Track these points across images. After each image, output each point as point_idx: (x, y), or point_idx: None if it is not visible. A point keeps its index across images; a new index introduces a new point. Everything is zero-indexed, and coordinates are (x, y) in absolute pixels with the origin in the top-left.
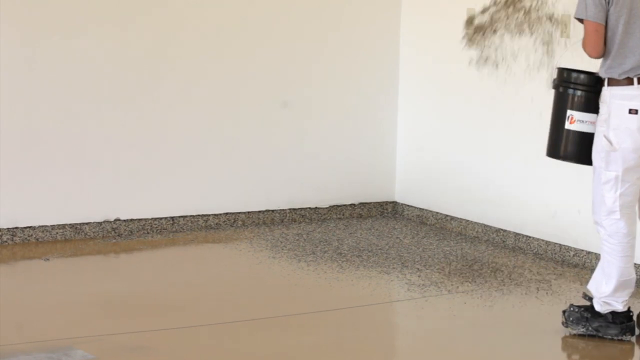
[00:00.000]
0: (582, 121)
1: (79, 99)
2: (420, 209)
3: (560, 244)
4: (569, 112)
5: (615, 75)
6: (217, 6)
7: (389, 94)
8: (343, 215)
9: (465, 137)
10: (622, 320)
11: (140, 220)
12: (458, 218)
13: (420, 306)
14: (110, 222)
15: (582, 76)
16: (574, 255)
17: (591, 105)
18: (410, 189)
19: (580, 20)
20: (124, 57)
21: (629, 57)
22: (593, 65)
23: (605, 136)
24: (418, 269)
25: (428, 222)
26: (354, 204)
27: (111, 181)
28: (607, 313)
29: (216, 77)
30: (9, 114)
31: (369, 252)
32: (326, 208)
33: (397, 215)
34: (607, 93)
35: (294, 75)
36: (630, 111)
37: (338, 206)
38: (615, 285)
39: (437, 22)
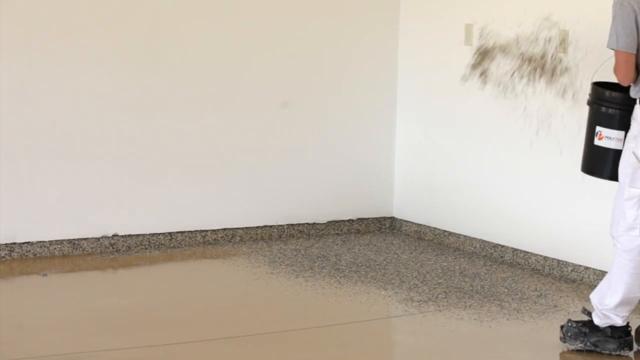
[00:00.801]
0: (610, 138)
1: (76, 114)
2: (418, 225)
3: (558, 259)
4: (598, 128)
5: None
6: (215, 18)
7: (386, 109)
8: (341, 230)
9: (464, 153)
10: (620, 335)
11: (138, 235)
12: (456, 234)
13: (418, 322)
14: (108, 237)
15: (611, 93)
16: (572, 271)
17: (620, 123)
18: (408, 204)
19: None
20: (122, 72)
21: None
22: None
23: (634, 153)
24: (416, 284)
25: (426, 238)
26: (352, 220)
27: (109, 197)
28: (606, 327)
29: (216, 94)
30: (5, 129)
31: (367, 267)
32: (324, 223)
33: (395, 231)
34: (639, 111)
35: (293, 91)
36: None
37: (336, 222)
38: (620, 300)
39: (436, 37)
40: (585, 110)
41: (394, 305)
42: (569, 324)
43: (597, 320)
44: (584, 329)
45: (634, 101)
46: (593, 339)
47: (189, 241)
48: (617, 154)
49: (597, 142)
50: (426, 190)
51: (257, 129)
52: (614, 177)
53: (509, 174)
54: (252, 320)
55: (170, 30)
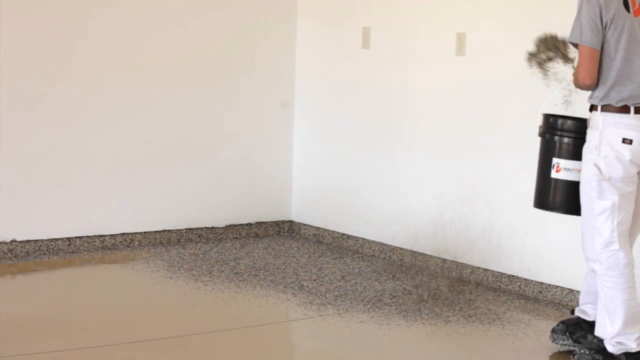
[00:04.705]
0: (568, 169)
1: None
2: (317, 228)
3: (456, 262)
4: (555, 160)
5: (612, 102)
6: (109, 20)
7: (284, 113)
8: (240, 234)
9: (361, 156)
10: None
11: (36, 241)
12: (354, 237)
13: (318, 325)
14: (7, 243)
15: (568, 122)
16: (470, 273)
17: (577, 152)
18: (306, 208)
19: (575, 45)
20: (23, 73)
21: (627, 85)
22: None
23: (595, 164)
24: (315, 288)
25: (325, 241)
26: (250, 224)
27: (6, 202)
28: (621, 354)
29: (114, 98)
30: None
31: (266, 271)
32: (223, 228)
33: (293, 234)
34: (600, 119)
35: (190, 95)
36: (624, 140)
37: (234, 226)
38: (624, 321)
39: (334, 41)
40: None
41: (293, 309)
42: (582, 352)
43: (611, 348)
44: (598, 357)
45: (583, 127)
46: None
47: (87, 246)
48: (575, 185)
49: (554, 174)
50: (324, 194)
51: (156, 133)
52: (571, 210)
53: (406, 177)
54: (151, 325)
55: (67, 36)
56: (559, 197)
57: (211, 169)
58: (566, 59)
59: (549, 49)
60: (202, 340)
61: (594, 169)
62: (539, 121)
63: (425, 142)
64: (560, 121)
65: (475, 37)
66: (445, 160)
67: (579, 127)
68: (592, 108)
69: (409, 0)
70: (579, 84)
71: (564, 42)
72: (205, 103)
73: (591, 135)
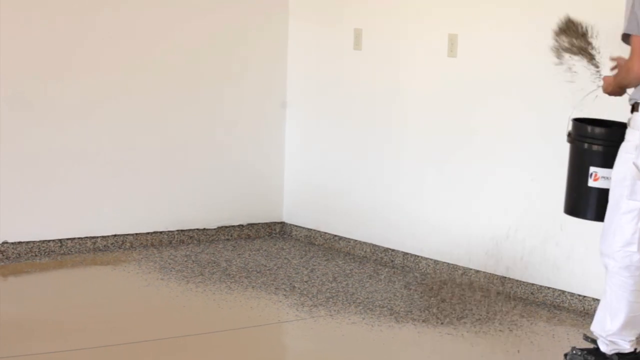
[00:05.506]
0: (606, 178)
1: None
2: (309, 230)
3: (448, 263)
4: (592, 169)
5: None
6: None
7: (276, 115)
8: (231, 236)
9: (353, 158)
10: None
11: (28, 242)
12: (346, 238)
13: (309, 327)
14: None
15: (604, 130)
16: (462, 274)
17: (612, 161)
18: (298, 209)
19: (626, 40)
20: (14, 68)
21: None
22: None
23: (634, 163)
24: (307, 289)
25: (316, 243)
26: (242, 225)
27: None
28: (613, 354)
29: (103, 99)
30: None
31: (258, 273)
32: (214, 229)
33: (285, 236)
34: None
35: (182, 99)
36: None
37: (226, 227)
38: (624, 322)
39: (326, 42)
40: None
41: (284, 310)
42: (574, 352)
43: (604, 348)
44: (590, 357)
45: (621, 134)
46: None
47: (79, 248)
48: (606, 193)
49: (592, 183)
50: (316, 195)
51: (147, 135)
52: (599, 217)
53: (397, 178)
54: (143, 326)
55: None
56: (595, 205)
57: (202, 171)
58: (589, 55)
59: (576, 37)
60: (194, 342)
61: (632, 168)
62: (568, 127)
63: (417, 144)
64: (597, 130)
65: (467, 39)
66: (437, 161)
67: (615, 135)
68: (634, 109)
69: (401, 1)
70: (633, 75)
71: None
72: (197, 105)
73: (631, 136)
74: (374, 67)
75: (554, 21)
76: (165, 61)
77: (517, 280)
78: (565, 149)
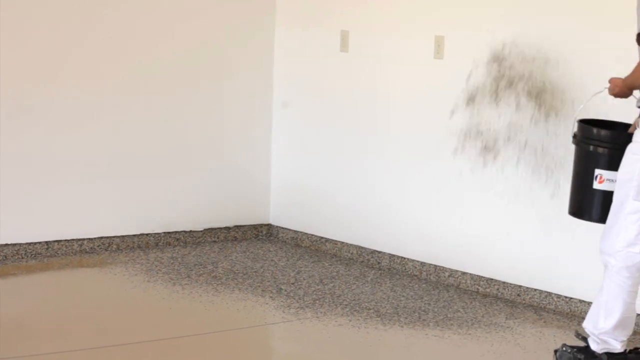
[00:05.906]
0: (612, 180)
1: None
2: (295, 232)
3: (435, 265)
4: (598, 172)
5: None
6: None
7: (262, 117)
8: (218, 238)
9: (340, 160)
10: None
11: (14, 245)
12: (333, 240)
13: (296, 329)
14: None
15: (610, 132)
16: (449, 276)
17: (618, 162)
18: (284, 211)
19: None
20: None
21: None
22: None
23: None
24: (293, 291)
25: (303, 245)
26: (228, 227)
27: None
28: (603, 354)
29: (92, 102)
30: None
31: (244, 275)
32: (201, 231)
33: (271, 238)
34: None
35: (168, 101)
36: None
37: (213, 229)
38: (617, 321)
39: (312, 44)
40: None
41: (271, 313)
42: (563, 349)
43: (594, 346)
44: (579, 355)
45: (627, 136)
46: None
47: (65, 250)
48: (611, 195)
49: (597, 185)
50: (302, 197)
51: (134, 138)
52: (604, 219)
53: (384, 181)
54: (129, 329)
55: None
56: (600, 208)
57: (189, 173)
58: None
59: None
60: (180, 344)
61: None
62: (574, 128)
63: (403, 145)
64: (602, 132)
65: (453, 40)
66: (423, 163)
67: (621, 138)
68: (626, 138)
69: (388, 3)
70: None
71: None
72: (183, 108)
73: (639, 137)
74: (361, 69)
75: (542, 22)
76: (153, 65)
77: (503, 282)
78: (559, 149)
